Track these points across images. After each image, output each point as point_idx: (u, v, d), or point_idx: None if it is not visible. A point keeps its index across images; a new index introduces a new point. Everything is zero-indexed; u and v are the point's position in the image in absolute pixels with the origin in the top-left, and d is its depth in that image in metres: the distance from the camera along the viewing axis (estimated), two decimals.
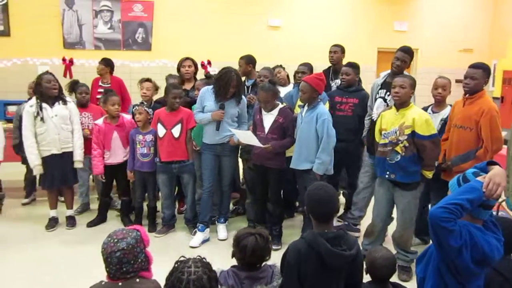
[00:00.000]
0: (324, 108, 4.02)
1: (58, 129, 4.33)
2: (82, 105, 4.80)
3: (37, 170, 4.37)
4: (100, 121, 4.57)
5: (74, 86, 4.89)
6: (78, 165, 4.49)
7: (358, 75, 4.64)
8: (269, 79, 4.27)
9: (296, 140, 4.01)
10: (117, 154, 4.56)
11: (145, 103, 4.59)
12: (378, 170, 3.68)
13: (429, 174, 3.49)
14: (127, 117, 4.67)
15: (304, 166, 3.93)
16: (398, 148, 3.45)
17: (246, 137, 4.07)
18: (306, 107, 3.97)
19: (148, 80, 4.88)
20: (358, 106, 4.46)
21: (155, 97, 4.97)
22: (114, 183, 4.79)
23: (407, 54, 4.05)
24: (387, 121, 3.57)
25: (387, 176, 3.54)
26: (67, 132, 4.40)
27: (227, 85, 4.07)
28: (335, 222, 4.29)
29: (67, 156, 4.41)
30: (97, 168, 4.53)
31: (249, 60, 4.99)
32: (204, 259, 1.84)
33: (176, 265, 1.80)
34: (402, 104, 3.48)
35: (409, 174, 3.45)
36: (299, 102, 4.24)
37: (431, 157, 3.43)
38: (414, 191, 3.53)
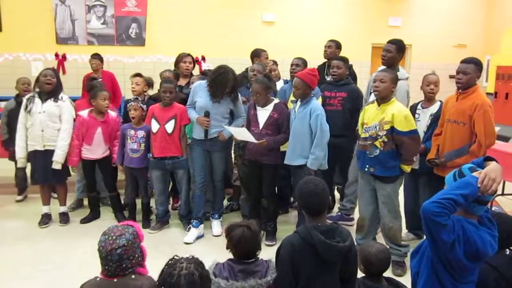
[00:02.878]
0: (317, 103, 4.01)
1: (43, 126, 4.28)
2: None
3: (21, 163, 4.43)
4: (84, 113, 4.46)
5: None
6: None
7: (349, 69, 4.59)
8: (265, 73, 4.26)
9: (289, 136, 4.00)
10: (97, 150, 4.48)
11: (139, 99, 4.54)
12: (359, 163, 3.73)
13: (407, 168, 3.55)
14: (113, 114, 4.60)
15: (298, 162, 3.93)
16: (377, 143, 3.49)
17: (240, 133, 4.05)
18: (299, 103, 3.96)
19: (139, 75, 4.85)
20: (347, 99, 4.39)
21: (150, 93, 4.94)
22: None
23: (392, 44, 4.05)
24: (369, 116, 3.61)
25: (366, 169, 3.60)
26: (53, 130, 4.32)
27: (224, 87, 4.04)
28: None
29: (51, 154, 4.32)
30: (72, 159, 4.44)
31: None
32: (197, 258, 1.86)
33: (169, 261, 1.83)
34: (383, 99, 3.50)
35: (387, 169, 3.51)
36: (291, 97, 4.22)
37: (409, 152, 3.48)
38: (393, 184, 3.58)
